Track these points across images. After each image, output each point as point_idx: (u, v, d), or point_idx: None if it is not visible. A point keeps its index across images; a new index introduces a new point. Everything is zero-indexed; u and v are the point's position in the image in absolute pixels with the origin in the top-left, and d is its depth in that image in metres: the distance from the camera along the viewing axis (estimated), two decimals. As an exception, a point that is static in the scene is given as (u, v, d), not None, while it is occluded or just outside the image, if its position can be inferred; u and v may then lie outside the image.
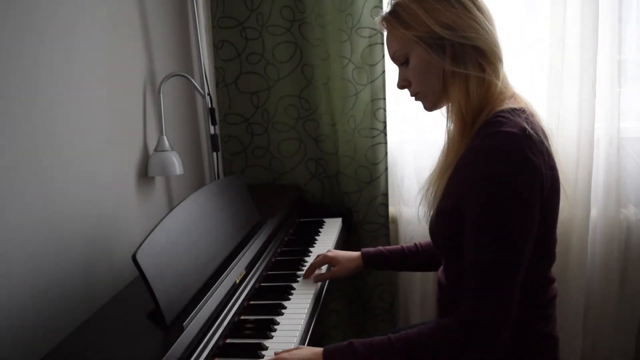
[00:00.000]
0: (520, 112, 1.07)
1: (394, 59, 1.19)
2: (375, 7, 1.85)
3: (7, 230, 1.11)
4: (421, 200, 1.22)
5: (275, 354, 1.11)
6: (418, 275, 2.04)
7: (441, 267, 1.27)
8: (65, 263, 1.28)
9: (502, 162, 1.00)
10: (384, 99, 1.92)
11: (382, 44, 1.88)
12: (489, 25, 1.11)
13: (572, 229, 1.88)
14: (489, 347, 1.03)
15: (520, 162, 1.00)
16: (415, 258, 1.46)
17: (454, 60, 1.09)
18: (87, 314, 1.14)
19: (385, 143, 1.96)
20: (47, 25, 1.24)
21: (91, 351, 1.02)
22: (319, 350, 1.09)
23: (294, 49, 1.97)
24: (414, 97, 1.20)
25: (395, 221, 2.05)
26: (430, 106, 1.19)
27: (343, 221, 1.95)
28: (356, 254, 1.50)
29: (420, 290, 2.06)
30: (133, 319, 1.12)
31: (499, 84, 1.10)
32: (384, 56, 1.89)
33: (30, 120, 1.18)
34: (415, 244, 1.48)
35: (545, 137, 1.08)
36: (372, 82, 1.91)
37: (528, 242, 1.02)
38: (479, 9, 1.11)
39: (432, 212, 1.18)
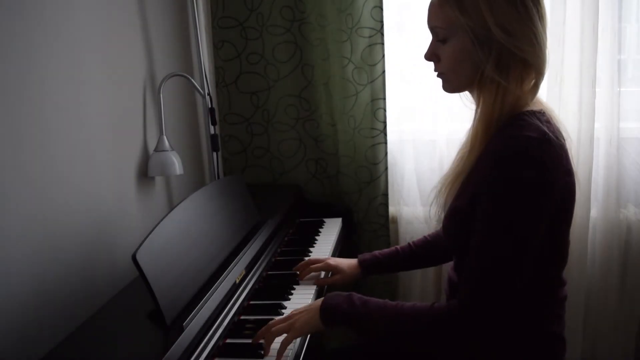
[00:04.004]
0: (540, 114, 1.06)
1: (432, 31, 1.12)
2: (375, 7, 1.85)
3: (7, 231, 1.11)
4: (434, 199, 1.20)
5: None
6: (418, 275, 2.04)
7: (452, 265, 1.27)
8: (65, 263, 1.28)
9: (519, 166, 1.00)
10: (384, 99, 1.92)
11: (382, 44, 1.88)
12: (544, 40, 1.06)
13: (572, 229, 1.83)
14: (476, 337, 1.05)
15: (537, 167, 1.00)
16: (411, 258, 1.47)
17: (498, 66, 1.05)
18: (87, 314, 1.14)
19: (385, 143, 1.96)
20: (46, 25, 1.24)
21: (91, 351, 1.02)
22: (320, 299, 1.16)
23: (294, 49, 1.97)
24: (436, 73, 1.16)
25: (395, 221, 2.05)
26: (450, 90, 1.16)
27: (343, 221, 1.95)
28: (355, 261, 1.49)
29: (420, 290, 2.06)
30: (133, 319, 1.12)
31: (533, 98, 1.09)
32: (383, 56, 1.89)
33: (29, 120, 1.18)
34: (410, 243, 1.48)
35: (564, 140, 1.07)
36: (372, 82, 1.91)
37: (534, 243, 1.03)
38: (542, 19, 1.05)
39: (445, 211, 1.17)
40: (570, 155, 1.08)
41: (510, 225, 1.01)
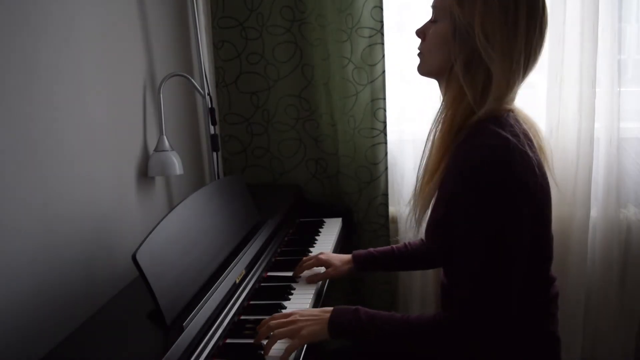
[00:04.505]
0: (504, 119, 1.06)
1: (432, 9, 1.14)
2: (375, 7, 1.86)
3: (7, 230, 1.11)
4: (410, 212, 1.20)
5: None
6: (418, 275, 2.04)
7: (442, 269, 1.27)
8: (65, 263, 1.28)
9: (487, 175, 1.00)
10: (384, 99, 1.92)
11: (382, 44, 1.88)
12: (521, 64, 1.05)
13: (572, 229, 1.88)
14: (480, 343, 1.05)
15: (504, 174, 1.00)
16: (406, 258, 1.47)
17: (466, 66, 1.06)
18: (87, 314, 1.14)
19: (385, 143, 1.96)
20: (47, 24, 1.24)
21: (91, 351, 1.02)
22: (329, 308, 1.14)
23: (294, 49, 1.97)
24: (418, 52, 1.18)
25: (395, 221, 2.05)
26: (421, 71, 1.17)
27: (343, 221, 1.95)
28: (348, 256, 1.50)
29: (420, 290, 2.06)
30: (133, 319, 1.12)
31: (484, 116, 1.06)
32: (383, 56, 1.89)
33: (29, 120, 1.18)
34: (405, 243, 1.48)
35: (532, 142, 1.07)
36: (372, 82, 1.91)
37: (520, 247, 1.03)
38: (527, 44, 1.04)
39: (422, 217, 1.18)
40: (539, 159, 1.07)
41: (492, 236, 1.01)
